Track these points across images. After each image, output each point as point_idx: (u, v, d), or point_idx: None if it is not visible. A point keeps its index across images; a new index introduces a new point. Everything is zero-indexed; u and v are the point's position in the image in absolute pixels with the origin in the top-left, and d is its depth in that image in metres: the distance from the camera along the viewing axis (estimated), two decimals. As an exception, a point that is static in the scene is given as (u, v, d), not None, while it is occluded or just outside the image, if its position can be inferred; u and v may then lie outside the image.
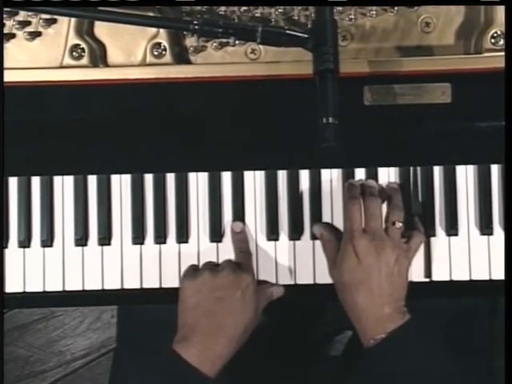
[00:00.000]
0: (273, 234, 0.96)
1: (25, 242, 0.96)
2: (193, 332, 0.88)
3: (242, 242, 0.95)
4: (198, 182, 0.97)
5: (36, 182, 0.97)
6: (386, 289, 0.88)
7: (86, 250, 0.97)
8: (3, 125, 0.90)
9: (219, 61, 0.96)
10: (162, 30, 0.94)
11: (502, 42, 0.92)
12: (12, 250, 0.96)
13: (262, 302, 0.93)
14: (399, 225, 0.92)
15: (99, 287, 0.96)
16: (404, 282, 0.91)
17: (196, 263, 0.95)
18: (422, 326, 0.88)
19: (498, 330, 0.98)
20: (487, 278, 0.95)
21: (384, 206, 0.94)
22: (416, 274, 0.94)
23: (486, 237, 0.95)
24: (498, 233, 0.95)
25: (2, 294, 0.93)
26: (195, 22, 0.85)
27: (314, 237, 0.95)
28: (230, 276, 0.90)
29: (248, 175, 0.96)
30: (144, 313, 1.04)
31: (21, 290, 0.96)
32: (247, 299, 0.90)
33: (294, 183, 0.96)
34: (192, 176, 0.97)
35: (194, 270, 0.93)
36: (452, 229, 0.95)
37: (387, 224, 0.92)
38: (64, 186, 0.97)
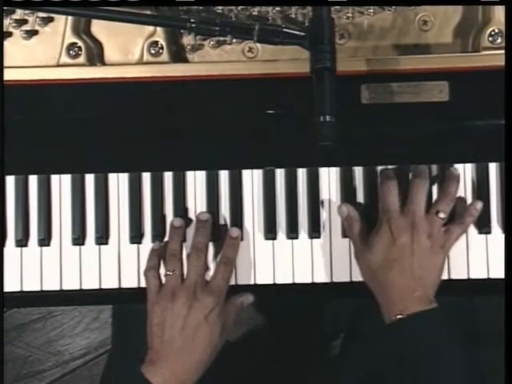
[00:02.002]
0: (270, 233, 0.95)
1: (22, 241, 0.96)
2: (159, 357, 0.89)
3: (230, 248, 0.94)
4: (196, 180, 0.96)
5: (33, 180, 0.96)
6: (418, 272, 0.87)
7: (84, 249, 0.96)
8: (3, 125, 0.90)
9: (216, 59, 0.95)
10: (159, 29, 0.94)
11: (499, 40, 0.92)
12: (9, 249, 0.96)
13: (230, 316, 0.92)
14: (442, 215, 0.90)
15: (97, 286, 0.96)
16: (437, 271, 0.89)
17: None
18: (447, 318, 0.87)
19: (497, 330, 0.98)
20: (485, 276, 0.94)
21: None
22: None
23: (484, 235, 0.95)
24: (496, 232, 0.94)
25: (2, 294, 0.93)
26: (192, 21, 0.85)
27: (311, 236, 0.95)
28: (194, 303, 0.89)
29: (246, 174, 0.96)
30: (141, 313, 1.04)
31: (18, 290, 0.96)
32: (211, 323, 0.90)
33: (291, 182, 0.96)
34: (190, 175, 0.96)
35: (157, 294, 0.92)
36: (450, 227, 0.95)
37: (431, 210, 0.91)
38: (61, 184, 0.97)
